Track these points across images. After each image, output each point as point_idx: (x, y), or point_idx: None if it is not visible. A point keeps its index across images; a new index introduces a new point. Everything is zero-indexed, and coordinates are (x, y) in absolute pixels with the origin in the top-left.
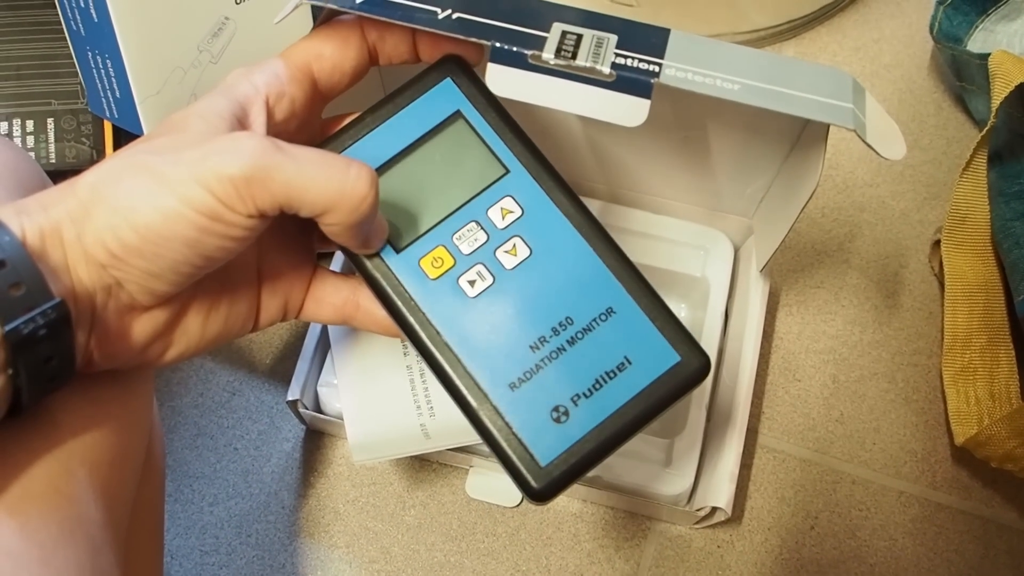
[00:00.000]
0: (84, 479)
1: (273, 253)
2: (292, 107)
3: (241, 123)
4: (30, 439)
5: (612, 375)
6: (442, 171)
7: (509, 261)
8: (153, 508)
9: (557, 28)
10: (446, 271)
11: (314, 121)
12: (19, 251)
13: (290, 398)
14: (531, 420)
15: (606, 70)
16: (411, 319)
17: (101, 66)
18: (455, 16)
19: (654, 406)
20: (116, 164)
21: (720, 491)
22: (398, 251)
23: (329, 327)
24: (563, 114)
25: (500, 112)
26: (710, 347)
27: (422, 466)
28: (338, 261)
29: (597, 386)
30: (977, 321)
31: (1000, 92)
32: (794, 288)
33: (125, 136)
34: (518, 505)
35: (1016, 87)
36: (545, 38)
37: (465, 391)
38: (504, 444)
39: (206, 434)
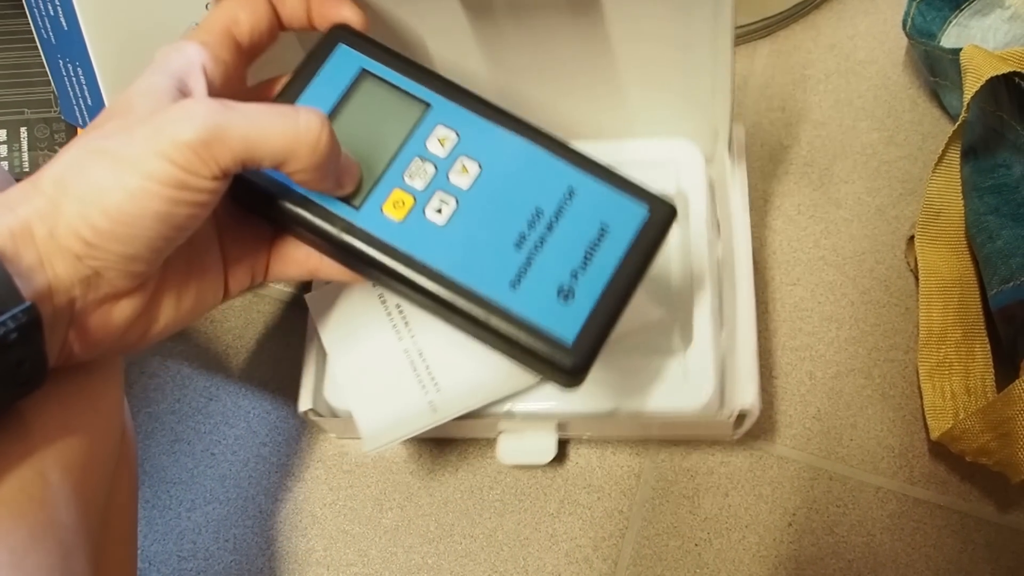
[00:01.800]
0: (56, 483)
1: (230, 221)
2: (226, 71)
3: (183, 94)
4: (0, 443)
5: (597, 244)
6: (370, 125)
7: (464, 181)
8: (126, 513)
9: None
10: (410, 209)
11: (242, 86)
12: None
13: (302, 409)
14: (543, 307)
15: None
16: (396, 265)
17: (72, 74)
18: None
19: (644, 258)
20: (73, 155)
21: (745, 392)
22: (358, 208)
23: (320, 330)
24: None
25: (400, 58)
26: (701, 258)
27: (399, 468)
28: None
29: (588, 257)
30: (952, 316)
31: (971, 87)
32: (770, 285)
33: None
34: (551, 462)
35: (987, 81)
36: None
37: (473, 307)
38: (527, 339)
39: (183, 440)
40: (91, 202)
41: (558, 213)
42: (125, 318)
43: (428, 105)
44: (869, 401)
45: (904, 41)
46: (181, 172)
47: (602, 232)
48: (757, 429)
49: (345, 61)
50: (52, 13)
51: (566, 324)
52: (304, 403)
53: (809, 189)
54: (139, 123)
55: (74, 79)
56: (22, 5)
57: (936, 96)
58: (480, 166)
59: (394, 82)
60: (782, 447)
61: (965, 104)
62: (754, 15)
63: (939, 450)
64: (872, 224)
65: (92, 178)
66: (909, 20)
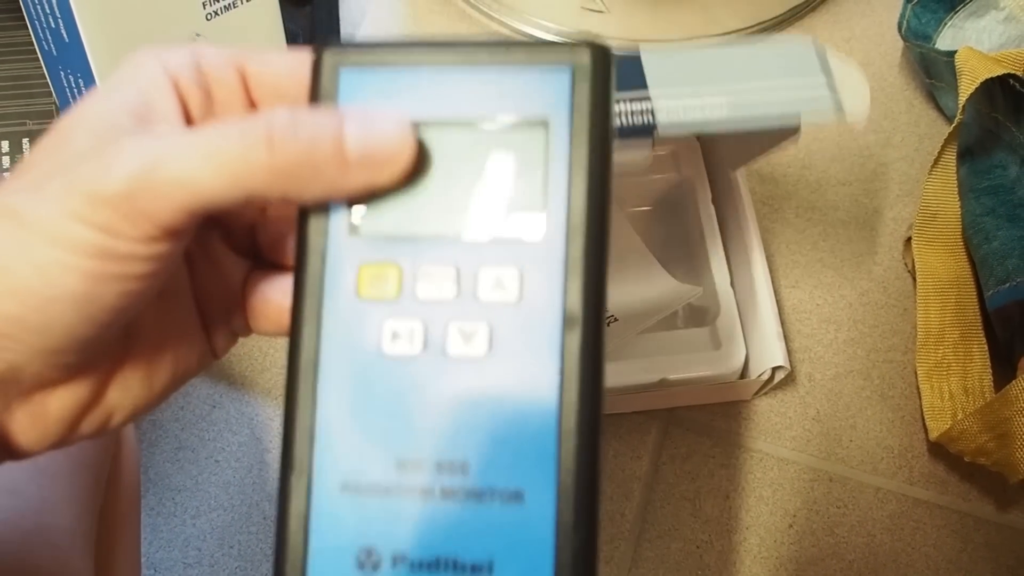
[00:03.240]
0: (47, 487)
1: (204, 263)
2: (207, 102)
3: (143, 118)
4: None
5: (459, 568)
6: (475, 176)
7: (455, 345)
8: (129, 521)
9: None
10: (379, 299)
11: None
12: None
13: None
14: (331, 544)
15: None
16: (302, 322)
17: (73, 85)
18: None
19: None
20: None
21: (774, 352)
22: (351, 232)
23: None
24: None
25: (596, 154)
26: (719, 268)
27: None
28: None
29: (433, 567)
30: (950, 317)
31: (967, 88)
32: None
33: None
34: None
35: (982, 83)
36: None
37: (295, 451)
38: (288, 543)
39: (187, 447)
40: None
41: (476, 494)
42: (67, 410)
43: (541, 240)
44: (868, 402)
45: (900, 44)
46: (101, 236)
47: (479, 567)
48: (757, 430)
49: (551, 88)
50: (53, 25)
51: None
52: None
53: (807, 191)
54: (59, 171)
55: (75, 90)
56: (23, 17)
57: (932, 98)
58: (488, 353)
59: (551, 173)
60: (782, 449)
61: (961, 106)
62: (751, 19)
63: (938, 450)
64: (870, 226)
65: None
66: (905, 23)
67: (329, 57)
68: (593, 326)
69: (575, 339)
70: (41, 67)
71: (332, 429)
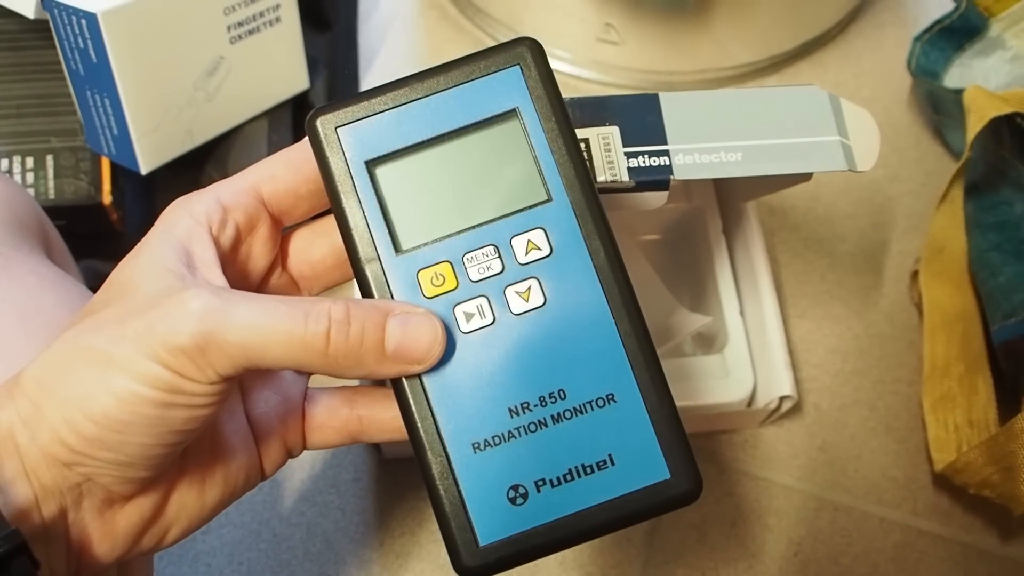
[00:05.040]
0: None
1: (259, 392)
2: (237, 233)
3: (189, 267)
4: None
5: (589, 470)
6: (477, 174)
7: (517, 304)
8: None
9: None
10: (444, 292)
11: (268, 246)
12: None
13: None
14: (484, 491)
15: (626, 178)
16: None
17: (99, 104)
18: None
19: (622, 519)
20: (59, 351)
21: (782, 382)
22: (398, 251)
23: None
24: None
25: (561, 123)
26: (728, 296)
27: (411, 495)
28: None
29: (568, 477)
30: (955, 350)
31: (975, 126)
32: None
33: (122, 172)
34: None
35: (989, 121)
36: None
37: (423, 434)
38: (447, 506)
39: None
40: (76, 406)
41: (579, 410)
42: (135, 524)
43: (549, 198)
44: (874, 433)
45: (908, 80)
46: (174, 377)
47: (604, 462)
48: (763, 458)
49: (508, 86)
50: (82, 46)
51: (493, 523)
52: None
53: (815, 223)
54: (133, 315)
55: (101, 109)
56: (51, 37)
57: (939, 133)
58: (545, 300)
59: (535, 147)
60: (788, 478)
61: (968, 144)
62: (763, 53)
63: (943, 482)
64: (877, 259)
65: (77, 379)
66: (913, 60)
67: (323, 123)
68: (612, 250)
69: (603, 264)
70: (67, 86)
71: (446, 407)
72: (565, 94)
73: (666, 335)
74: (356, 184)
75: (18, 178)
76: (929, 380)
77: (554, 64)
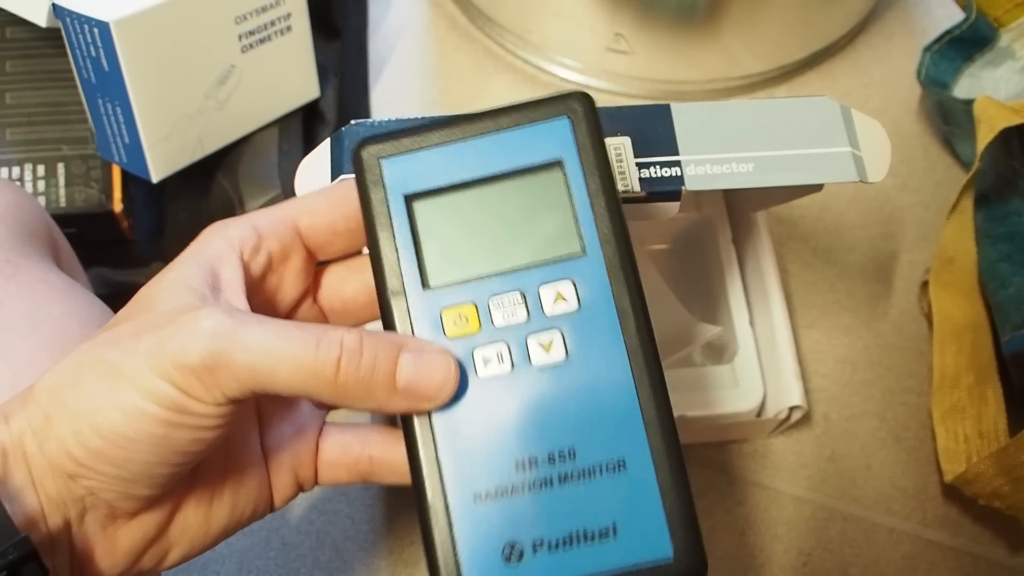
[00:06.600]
0: None
1: (276, 423)
2: (269, 260)
3: (213, 287)
4: None
5: (589, 537)
6: (513, 220)
7: (538, 356)
8: None
9: None
10: (465, 334)
11: (301, 277)
12: None
13: None
14: (479, 543)
15: (638, 189)
16: None
17: (111, 112)
18: None
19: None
20: (74, 362)
21: (792, 392)
22: (425, 287)
23: None
24: None
25: (604, 179)
26: (738, 306)
27: None
28: None
29: (567, 542)
30: (965, 360)
31: (984, 137)
32: None
33: (133, 180)
34: None
35: (999, 132)
36: None
37: (425, 475)
38: (438, 552)
39: None
40: (84, 418)
41: (587, 472)
42: (137, 541)
43: (582, 252)
44: (883, 443)
45: (917, 90)
46: (181, 396)
47: (606, 531)
48: (773, 468)
49: (555, 136)
50: (94, 55)
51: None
52: None
53: (824, 233)
54: (148, 330)
55: (112, 117)
56: (63, 45)
57: (948, 143)
58: (567, 355)
59: (575, 200)
60: (798, 488)
61: (978, 154)
62: (772, 63)
63: (952, 492)
64: (886, 269)
65: (86, 391)
66: (923, 70)
67: (368, 153)
68: (642, 313)
69: (631, 325)
70: (78, 94)
71: (453, 452)
72: None
73: (676, 345)
74: (392, 216)
75: (29, 186)
76: (939, 391)
77: (563, 73)
